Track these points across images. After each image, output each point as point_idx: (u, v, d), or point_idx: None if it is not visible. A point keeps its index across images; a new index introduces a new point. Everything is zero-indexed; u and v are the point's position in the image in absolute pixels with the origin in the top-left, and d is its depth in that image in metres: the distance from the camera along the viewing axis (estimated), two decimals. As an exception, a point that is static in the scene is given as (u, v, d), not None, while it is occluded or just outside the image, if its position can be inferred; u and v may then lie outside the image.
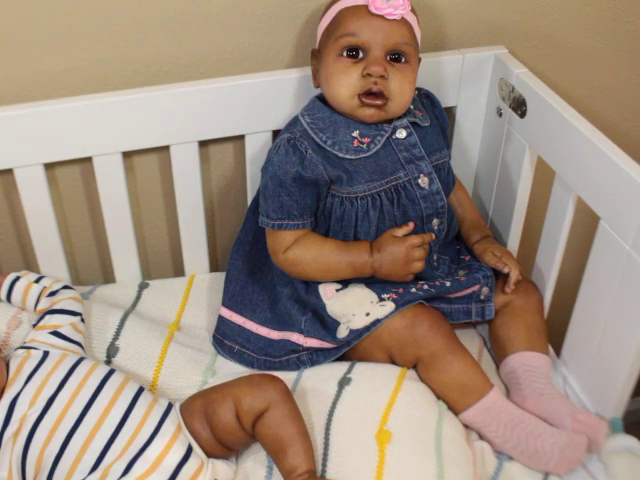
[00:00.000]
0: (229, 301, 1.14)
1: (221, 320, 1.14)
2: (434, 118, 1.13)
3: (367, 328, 1.03)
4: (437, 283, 1.08)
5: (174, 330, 1.14)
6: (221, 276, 1.22)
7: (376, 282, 1.07)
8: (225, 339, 1.12)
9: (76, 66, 1.11)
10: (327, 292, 1.07)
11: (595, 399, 1.06)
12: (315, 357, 1.06)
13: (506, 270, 1.11)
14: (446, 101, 1.20)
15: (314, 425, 0.97)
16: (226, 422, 0.92)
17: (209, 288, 1.23)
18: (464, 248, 1.19)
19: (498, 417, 0.99)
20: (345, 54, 1.01)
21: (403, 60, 1.01)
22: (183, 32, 1.12)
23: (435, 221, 1.08)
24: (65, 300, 1.07)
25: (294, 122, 1.07)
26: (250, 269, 1.15)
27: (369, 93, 1.00)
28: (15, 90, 1.11)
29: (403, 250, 1.04)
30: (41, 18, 1.06)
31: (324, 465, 0.93)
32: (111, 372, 0.96)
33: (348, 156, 1.03)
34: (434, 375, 1.02)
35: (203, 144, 1.19)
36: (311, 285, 1.08)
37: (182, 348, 1.11)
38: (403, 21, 1.00)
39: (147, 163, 1.22)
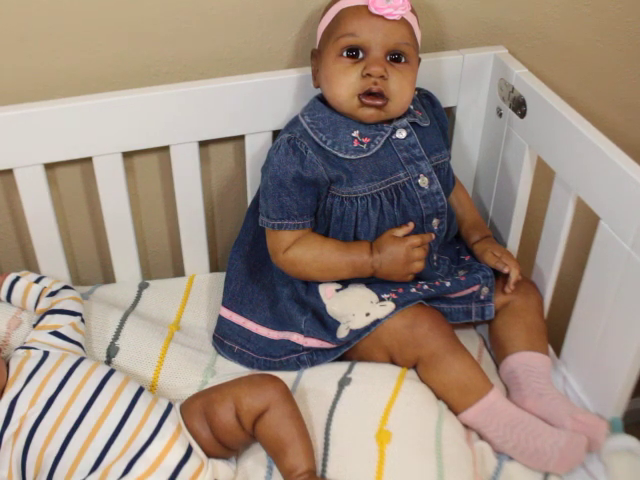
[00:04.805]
0: (229, 301, 1.14)
1: (221, 320, 1.14)
2: (434, 118, 1.13)
3: (367, 328, 1.03)
4: (437, 283, 1.08)
5: (174, 330, 1.14)
6: (221, 276, 1.22)
7: (376, 282, 1.07)
8: (225, 339, 1.12)
9: (76, 66, 1.11)
10: (327, 292, 1.07)
11: (595, 399, 1.06)
12: (315, 357, 1.06)
13: (506, 270, 1.11)
14: (446, 101, 1.20)
15: (314, 425, 0.97)
16: (226, 422, 0.92)
17: (209, 288, 1.23)
18: (464, 248, 1.19)
19: (498, 417, 0.99)
20: (345, 54, 1.00)
21: (403, 60, 1.01)
22: (183, 32, 1.12)
23: (435, 221, 1.08)
24: (65, 300, 1.07)
25: (294, 122, 1.07)
26: (250, 269, 1.15)
27: (369, 93, 1.00)
28: (15, 90, 1.11)
29: (403, 250, 1.04)
30: (41, 18, 1.06)
31: (324, 465, 0.93)
32: (111, 372, 0.96)
33: (348, 156, 1.03)
34: (434, 375, 1.02)
35: (203, 144, 1.19)
36: (311, 285, 1.08)
37: (182, 348, 1.11)
38: (403, 21, 1.00)
39: (147, 163, 1.22)
